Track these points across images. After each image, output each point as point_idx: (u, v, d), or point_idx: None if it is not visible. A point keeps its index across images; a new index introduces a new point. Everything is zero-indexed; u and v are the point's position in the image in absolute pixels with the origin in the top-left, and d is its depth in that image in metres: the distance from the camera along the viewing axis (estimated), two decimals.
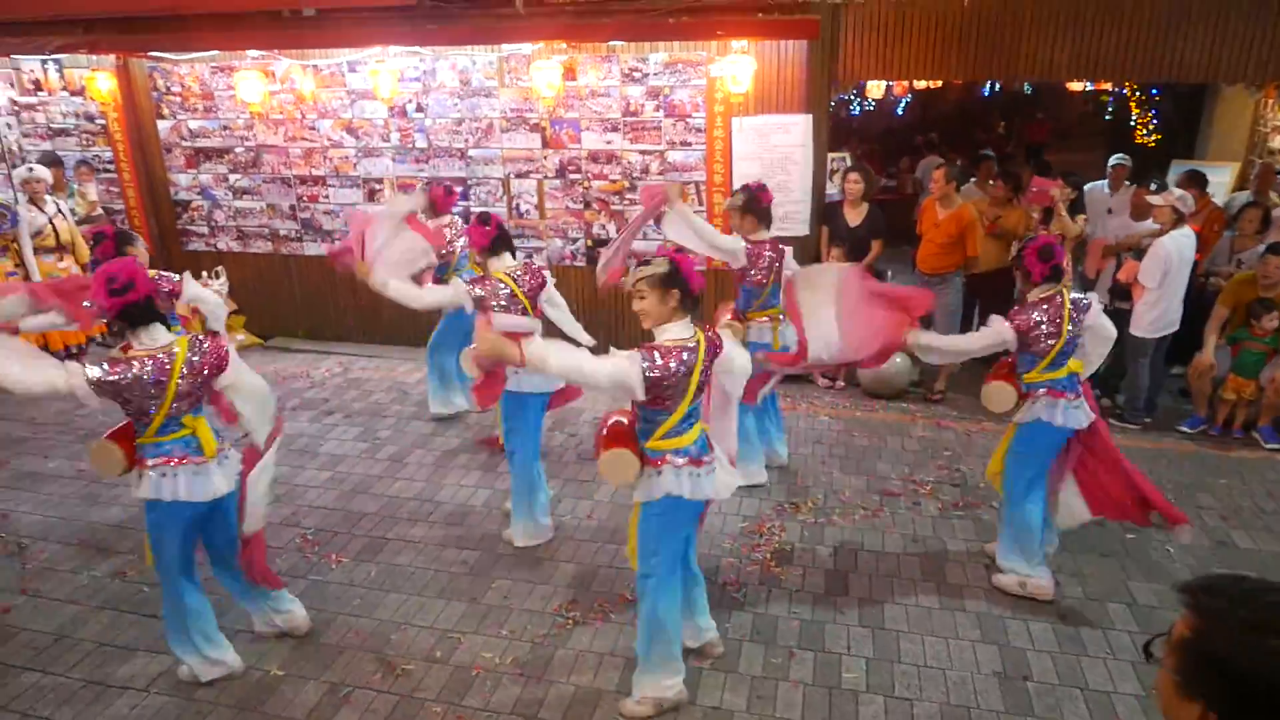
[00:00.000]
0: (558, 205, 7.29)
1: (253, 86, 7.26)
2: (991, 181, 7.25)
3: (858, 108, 13.91)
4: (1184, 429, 6.01)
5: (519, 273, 4.43)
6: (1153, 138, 11.45)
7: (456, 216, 6.28)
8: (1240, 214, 6.57)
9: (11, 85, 8.11)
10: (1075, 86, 11.80)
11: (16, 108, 8.19)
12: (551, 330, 4.57)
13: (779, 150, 6.63)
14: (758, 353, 4.53)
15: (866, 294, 4.09)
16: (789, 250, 5.10)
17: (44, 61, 7.88)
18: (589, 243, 7.30)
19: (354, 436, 6.08)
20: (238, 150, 7.85)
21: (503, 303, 4.31)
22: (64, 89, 8.00)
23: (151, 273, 4.13)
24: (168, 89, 7.81)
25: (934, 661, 3.72)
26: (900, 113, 15.36)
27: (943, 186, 6.54)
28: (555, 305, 4.76)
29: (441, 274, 5.79)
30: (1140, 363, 5.96)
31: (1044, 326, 3.88)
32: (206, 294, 4.77)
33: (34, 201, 6.89)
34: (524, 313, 4.39)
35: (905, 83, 11.38)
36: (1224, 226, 6.79)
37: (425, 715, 3.46)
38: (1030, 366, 3.99)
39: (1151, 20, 5.85)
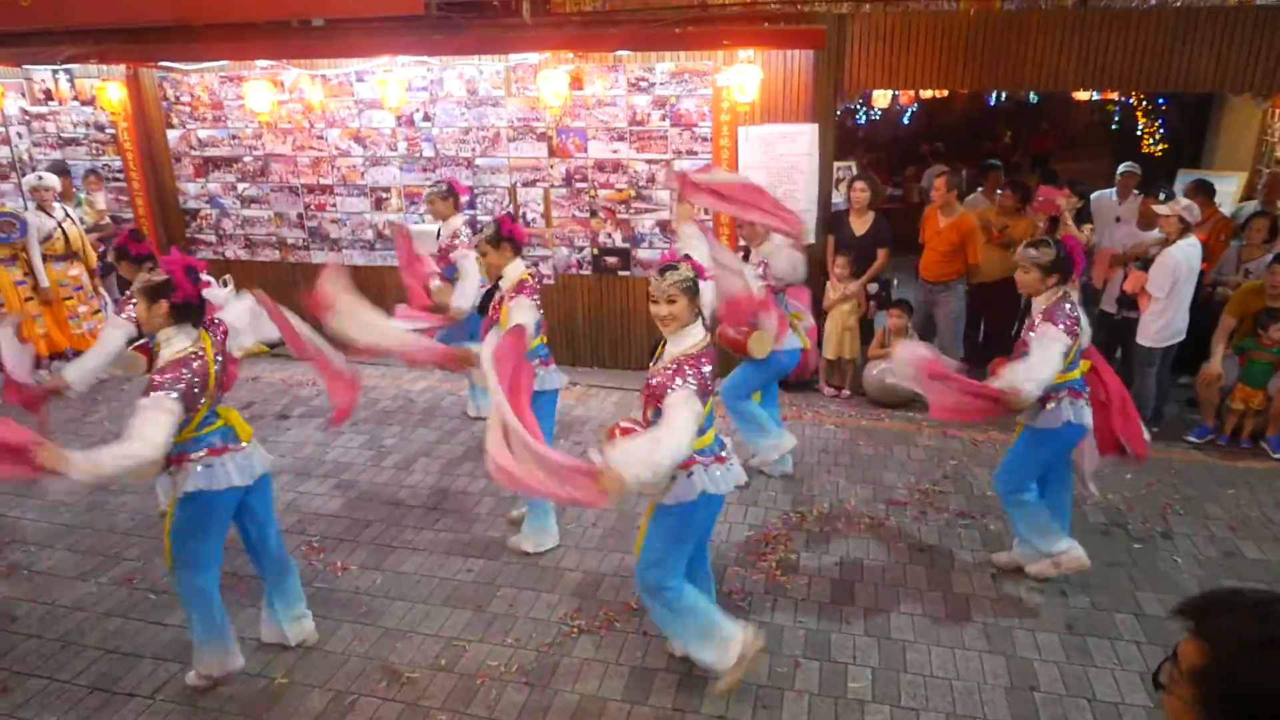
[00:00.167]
0: (564, 214, 7.31)
1: (261, 96, 7.31)
2: (999, 191, 7.25)
3: (863, 117, 13.89)
4: (1191, 439, 5.98)
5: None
6: (1159, 147, 11.43)
7: (464, 225, 6.27)
8: (1248, 224, 6.54)
9: (22, 95, 8.18)
10: (1081, 96, 11.79)
11: (27, 117, 8.25)
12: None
13: (785, 159, 6.65)
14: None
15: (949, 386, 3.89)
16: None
17: (55, 71, 7.94)
18: (595, 251, 7.32)
19: (360, 444, 6.09)
20: (246, 159, 7.90)
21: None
22: (74, 98, 8.06)
23: None
24: (177, 98, 7.87)
25: (940, 671, 3.70)
26: (906, 122, 15.35)
27: (944, 195, 6.56)
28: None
29: (451, 276, 5.79)
30: (1147, 372, 5.94)
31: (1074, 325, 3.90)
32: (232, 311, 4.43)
33: (43, 208, 6.94)
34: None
35: (911, 92, 11.38)
36: (1230, 236, 6.77)
37: None
38: None
39: (1158, 30, 5.85)
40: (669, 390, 3.06)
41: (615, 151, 7.02)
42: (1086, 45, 5.97)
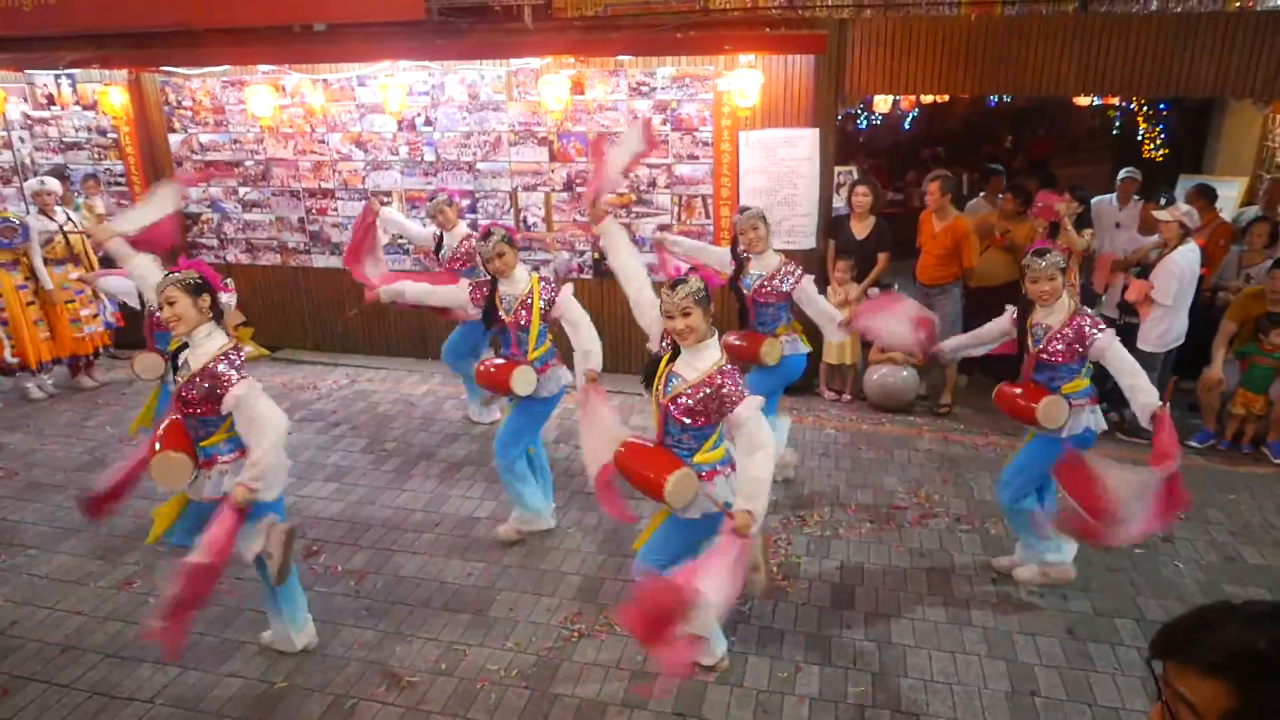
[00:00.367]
0: (565, 218, 7.32)
1: (263, 100, 7.32)
2: (1001, 195, 7.26)
3: (864, 122, 13.92)
4: (1193, 444, 5.98)
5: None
6: (1160, 152, 11.43)
7: (469, 229, 6.29)
8: (1249, 229, 6.55)
9: (25, 99, 8.20)
10: (1082, 101, 11.80)
11: (29, 121, 8.27)
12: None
13: (786, 164, 6.66)
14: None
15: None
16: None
17: (57, 76, 7.96)
18: (596, 255, 7.32)
19: (360, 448, 6.09)
20: (248, 163, 7.91)
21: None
22: (76, 103, 8.07)
23: None
24: (179, 103, 7.89)
25: (941, 676, 3.70)
26: (908, 127, 15.38)
27: (938, 199, 6.57)
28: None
29: (470, 276, 5.81)
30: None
31: None
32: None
33: (44, 213, 6.96)
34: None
35: (912, 97, 11.40)
36: (1230, 241, 6.77)
37: None
38: (1072, 376, 3.99)
39: (1159, 35, 5.86)
40: (734, 406, 3.16)
41: None
42: (1087, 50, 5.98)
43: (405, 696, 3.61)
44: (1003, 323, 4.21)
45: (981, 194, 8.27)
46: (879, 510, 5.14)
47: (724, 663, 3.70)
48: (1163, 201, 6.02)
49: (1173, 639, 1.25)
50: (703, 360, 3.26)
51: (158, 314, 3.56)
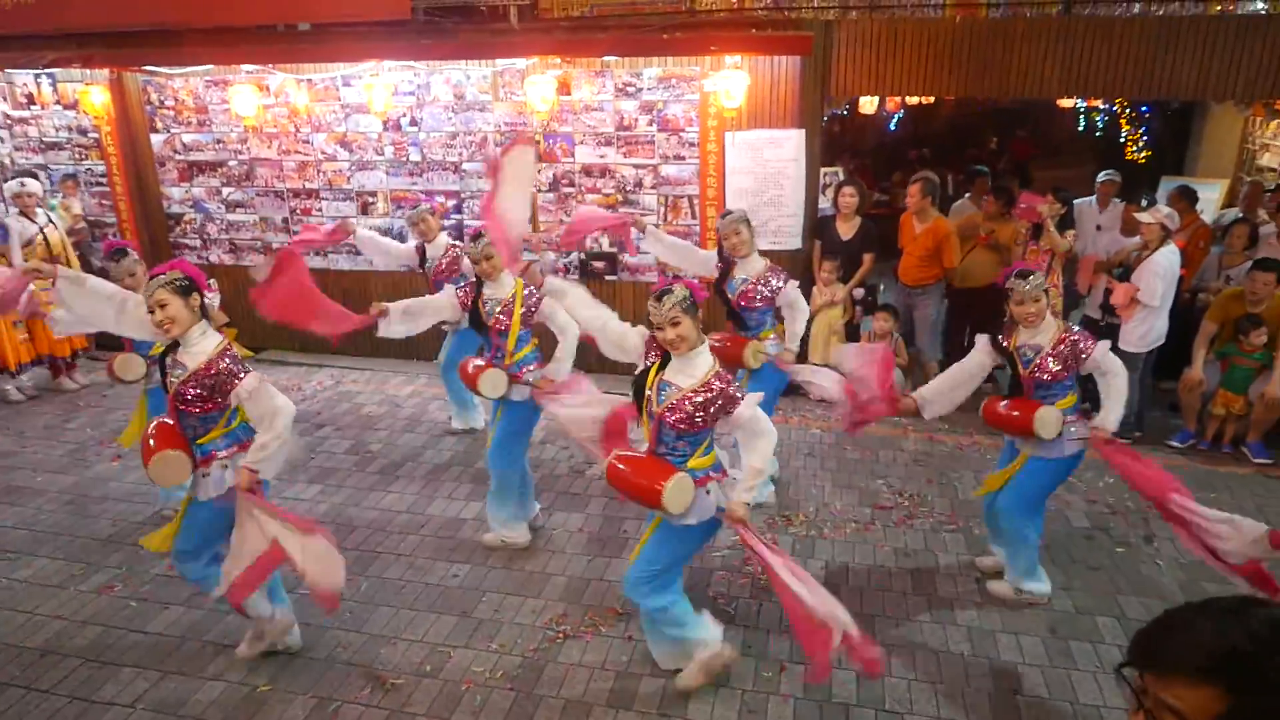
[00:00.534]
0: (551, 219, 7.30)
1: (247, 100, 7.27)
2: (985, 196, 7.30)
3: (841, 120, 13.97)
4: (1173, 444, 6.02)
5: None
6: (1143, 154, 11.55)
7: (450, 240, 6.18)
8: (1229, 230, 6.61)
9: (4, 99, 8.11)
10: (1066, 103, 11.90)
11: (9, 121, 8.19)
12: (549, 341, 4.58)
13: (772, 165, 6.67)
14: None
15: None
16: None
17: (37, 75, 7.88)
18: (582, 256, 7.32)
19: (345, 450, 6.06)
20: (231, 164, 7.86)
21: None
22: (57, 103, 8.00)
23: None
24: (161, 103, 7.82)
25: (924, 675, 3.71)
26: (893, 128, 15.45)
27: (918, 201, 6.60)
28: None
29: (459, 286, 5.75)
30: (1130, 377, 5.96)
31: None
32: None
33: (25, 214, 6.89)
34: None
35: (898, 99, 11.45)
36: (1209, 243, 6.84)
37: None
38: (1065, 393, 3.95)
39: (1141, 38, 5.90)
40: (734, 407, 3.22)
41: (602, 156, 7.02)
42: (1071, 53, 6.02)
43: (390, 699, 3.60)
44: (980, 355, 4.08)
45: (967, 195, 8.31)
46: (863, 510, 5.16)
47: (727, 650, 3.64)
48: (1144, 203, 6.07)
49: (1150, 647, 1.23)
50: (697, 367, 3.26)
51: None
